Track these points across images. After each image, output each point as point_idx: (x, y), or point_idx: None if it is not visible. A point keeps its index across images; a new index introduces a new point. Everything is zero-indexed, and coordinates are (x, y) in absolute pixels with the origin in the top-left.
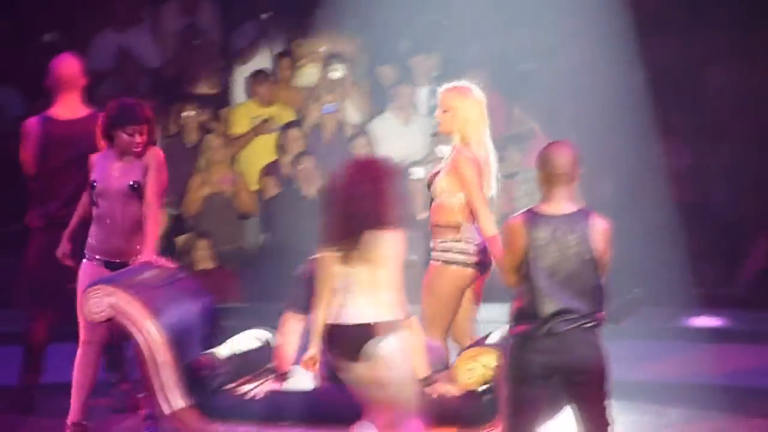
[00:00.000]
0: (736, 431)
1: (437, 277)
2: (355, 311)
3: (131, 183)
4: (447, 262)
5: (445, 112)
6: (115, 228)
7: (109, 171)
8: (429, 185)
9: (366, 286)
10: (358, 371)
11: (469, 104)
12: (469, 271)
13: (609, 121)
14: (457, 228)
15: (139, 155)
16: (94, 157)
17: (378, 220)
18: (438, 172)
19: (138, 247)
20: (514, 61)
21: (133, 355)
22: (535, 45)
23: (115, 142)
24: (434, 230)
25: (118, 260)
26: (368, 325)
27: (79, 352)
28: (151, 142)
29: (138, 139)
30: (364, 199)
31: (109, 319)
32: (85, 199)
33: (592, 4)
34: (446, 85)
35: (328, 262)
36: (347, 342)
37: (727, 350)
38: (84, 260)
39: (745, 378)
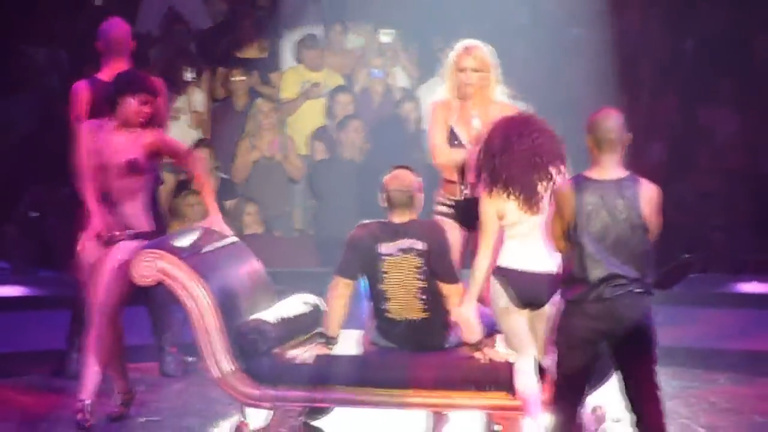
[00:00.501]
0: None
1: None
2: (540, 259)
3: (130, 159)
4: None
5: (478, 71)
6: (107, 203)
7: (108, 144)
8: None
9: (541, 235)
10: (545, 317)
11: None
12: None
13: (660, 88)
14: None
15: (143, 127)
16: (87, 125)
17: (554, 171)
18: None
19: (128, 220)
20: (563, 26)
21: (183, 319)
22: (584, 11)
23: (119, 110)
24: None
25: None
26: (554, 274)
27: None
28: (158, 123)
29: (146, 108)
30: (545, 149)
31: (159, 283)
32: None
33: None
34: (473, 43)
35: (501, 207)
36: (539, 289)
37: None
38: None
39: None
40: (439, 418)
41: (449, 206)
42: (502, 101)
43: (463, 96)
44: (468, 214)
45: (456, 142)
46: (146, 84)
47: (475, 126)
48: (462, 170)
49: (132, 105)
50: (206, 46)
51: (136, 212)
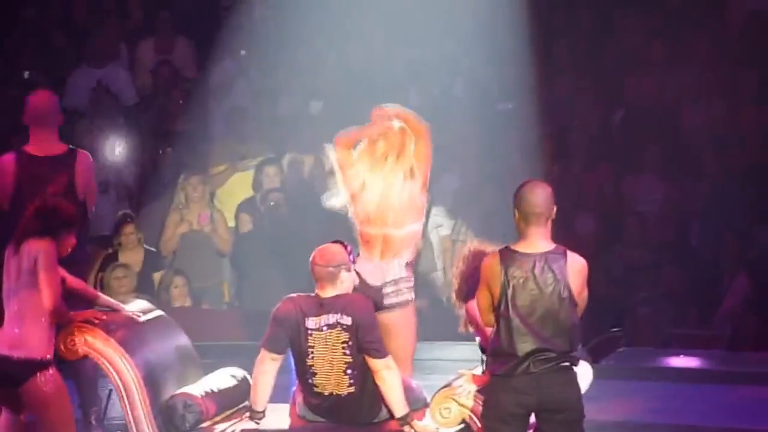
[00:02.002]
0: None
1: (412, 315)
2: None
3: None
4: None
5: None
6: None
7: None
8: None
9: None
10: None
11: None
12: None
13: (589, 158)
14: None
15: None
16: None
17: None
18: None
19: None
20: (494, 98)
21: (110, 393)
22: (515, 83)
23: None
24: (408, 268)
25: None
26: None
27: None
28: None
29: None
30: None
31: (84, 357)
32: None
33: (572, 42)
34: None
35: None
36: None
37: (706, 390)
38: None
39: (723, 419)
40: None
41: None
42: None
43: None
44: None
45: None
46: (71, 213)
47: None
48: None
49: (71, 240)
50: (134, 118)
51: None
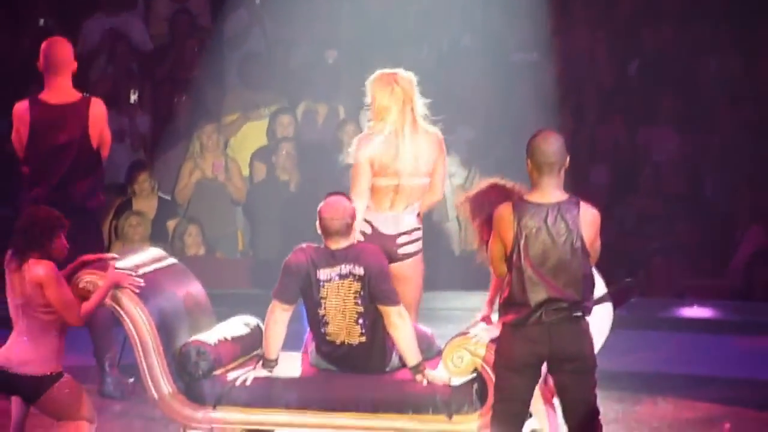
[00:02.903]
0: (728, 421)
1: (421, 264)
2: None
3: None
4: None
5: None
6: None
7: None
8: None
9: None
10: None
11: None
12: None
13: (604, 110)
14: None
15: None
16: None
17: None
18: None
19: None
20: (508, 50)
21: (124, 340)
22: (529, 34)
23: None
24: (419, 219)
25: None
26: None
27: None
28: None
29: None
30: None
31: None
32: None
33: None
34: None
35: None
36: None
37: (718, 341)
38: None
39: (737, 369)
40: None
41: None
42: (435, 132)
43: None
44: None
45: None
46: (48, 217)
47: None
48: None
49: (62, 243)
50: (149, 66)
51: None
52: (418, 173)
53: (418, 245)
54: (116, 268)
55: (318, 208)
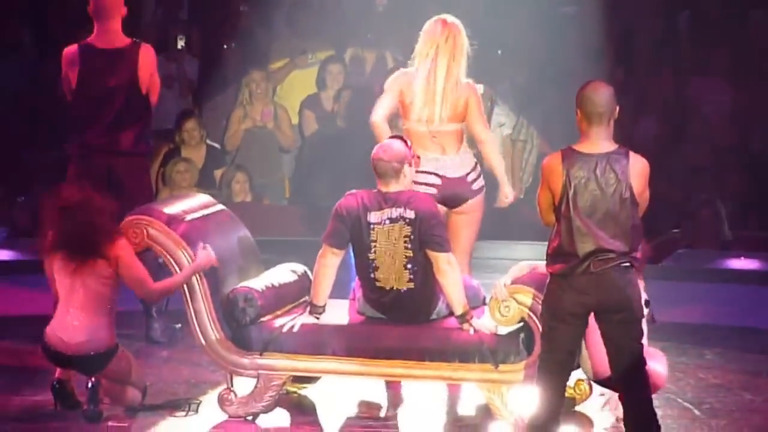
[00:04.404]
0: None
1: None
2: None
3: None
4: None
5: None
6: None
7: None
8: None
9: None
10: None
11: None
12: None
13: (654, 61)
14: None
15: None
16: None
17: None
18: None
19: None
20: (556, 3)
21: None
22: None
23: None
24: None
25: None
26: None
27: None
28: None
29: None
30: None
31: (146, 249)
32: None
33: None
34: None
35: None
36: None
37: (765, 292)
38: None
39: None
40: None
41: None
42: (467, 82)
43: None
44: None
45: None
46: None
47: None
48: None
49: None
50: (198, 12)
51: None
52: (449, 119)
53: (482, 180)
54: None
55: (373, 151)
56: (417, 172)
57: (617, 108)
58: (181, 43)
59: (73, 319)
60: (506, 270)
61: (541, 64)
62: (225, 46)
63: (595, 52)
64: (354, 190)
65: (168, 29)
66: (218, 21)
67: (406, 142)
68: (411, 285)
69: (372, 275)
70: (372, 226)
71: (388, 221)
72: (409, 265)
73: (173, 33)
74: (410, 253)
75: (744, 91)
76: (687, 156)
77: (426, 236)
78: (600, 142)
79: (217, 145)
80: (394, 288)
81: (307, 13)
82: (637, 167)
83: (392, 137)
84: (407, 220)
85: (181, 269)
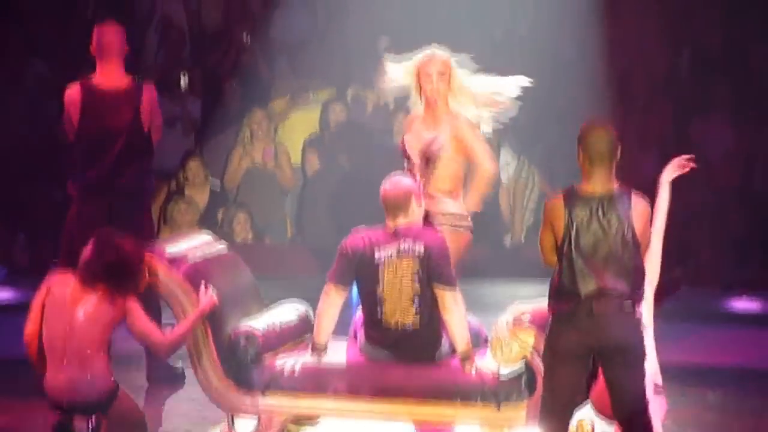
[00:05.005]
0: None
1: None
2: None
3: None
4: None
5: (442, 74)
6: None
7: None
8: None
9: None
10: None
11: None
12: None
13: (654, 99)
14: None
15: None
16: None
17: None
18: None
19: None
20: (557, 43)
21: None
22: (579, 23)
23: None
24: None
25: None
26: None
27: None
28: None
29: None
30: None
31: (150, 288)
32: None
33: None
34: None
35: None
36: None
37: (766, 333)
38: None
39: None
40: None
41: None
42: (457, 112)
43: (429, 104)
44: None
45: (403, 150)
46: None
47: (425, 135)
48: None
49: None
50: (200, 52)
51: None
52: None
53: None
54: (165, 254)
55: (381, 185)
56: None
57: (619, 148)
58: (184, 82)
59: (68, 370)
60: (507, 310)
61: (542, 103)
62: (226, 85)
63: (596, 92)
64: (360, 228)
65: (170, 68)
66: (220, 60)
67: (413, 175)
68: (416, 321)
69: (378, 310)
70: (379, 261)
71: (395, 254)
72: (415, 301)
73: (176, 72)
74: (417, 288)
75: (745, 130)
76: (688, 195)
77: (434, 272)
78: (602, 182)
79: (218, 182)
80: (399, 323)
81: (308, 53)
82: (639, 208)
83: (399, 172)
84: (416, 254)
85: (183, 310)
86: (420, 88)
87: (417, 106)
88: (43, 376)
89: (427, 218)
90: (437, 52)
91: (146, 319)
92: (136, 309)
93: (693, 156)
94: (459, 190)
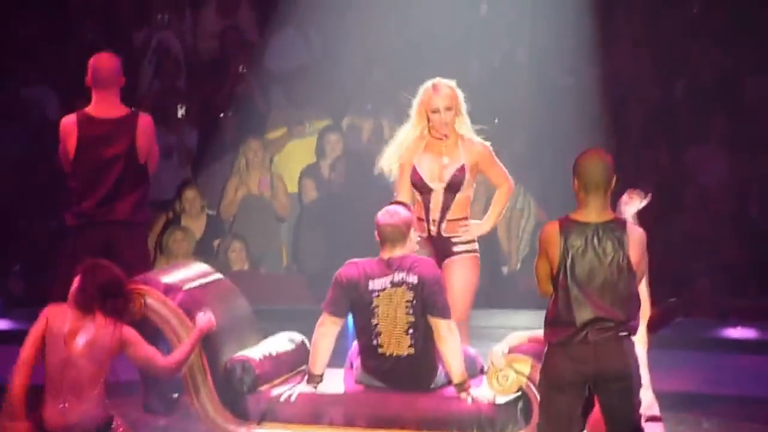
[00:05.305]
0: None
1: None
2: None
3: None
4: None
5: (450, 109)
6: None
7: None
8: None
9: None
10: None
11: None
12: None
13: (649, 129)
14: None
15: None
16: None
17: None
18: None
19: None
20: (553, 72)
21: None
22: (575, 52)
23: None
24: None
25: None
26: None
27: None
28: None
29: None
30: None
31: (145, 318)
32: None
33: (635, 9)
34: (439, 81)
35: None
36: None
37: (763, 362)
38: None
39: None
40: None
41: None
42: (469, 137)
43: (437, 135)
44: (435, 251)
45: (418, 179)
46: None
47: (444, 162)
48: (428, 208)
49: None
50: (196, 82)
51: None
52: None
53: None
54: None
55: (376, 216)
56: None
57: (615, 177)
58: (181, 112)
59: (65, 400)
60: (503, 339)
61: (538, 132)
62: (222, 115)
63: (591, 121)
64: (354, 259)
65: (166, 98)
66: (216, 90)
67: (407, 206)
68: (411, 351)
69: (374, 341)
70: (374, 292)
71: (390, 285)
72: (410, 331)
73: (172, 102)
74: (412, 319)
75: (740, 159)
76: (684, 225)
77: (428, 302)
78: (597, 210)
79: (214, 213)
80: (394, 354)
81: (303, 83)
82: (634, 236)
83: (394, 203)
84: (410, 285)
85: (179, 339)
86: (426, 117)
87: (413, 130)
88: (8, 406)
89: (448, 244)
90: (442, 84)
91: (146, 344)
92: (134, 337)
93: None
94: (469, 214)
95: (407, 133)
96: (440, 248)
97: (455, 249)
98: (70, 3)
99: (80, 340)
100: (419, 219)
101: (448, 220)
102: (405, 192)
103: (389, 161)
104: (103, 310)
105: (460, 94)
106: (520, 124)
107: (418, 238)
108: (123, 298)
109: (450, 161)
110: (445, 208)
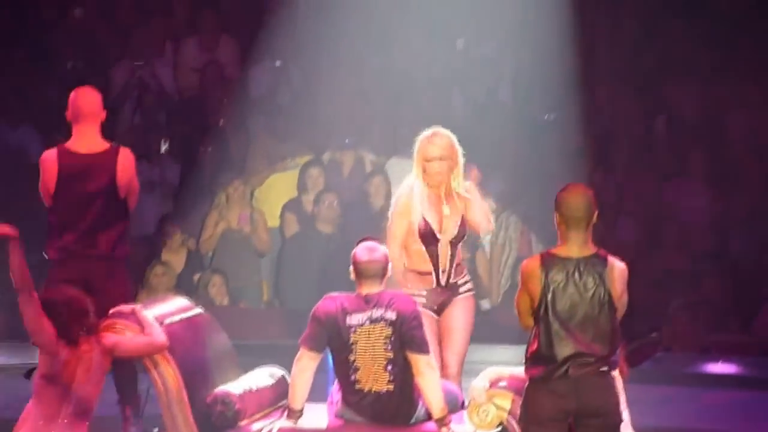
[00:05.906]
0: None
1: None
2: None
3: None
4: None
5: (444, 159)
6: None
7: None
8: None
9: None
10: None
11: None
12: None
13: (631, 164)
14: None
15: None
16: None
17: None
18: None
19: None
20: (536, 110)
21: (148, 389)
22: (558, 88)
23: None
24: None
25: None
26: None
27: None
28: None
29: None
30: None
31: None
32: None
33: (616, 45)
34: (436, 130)
35: None
36: None
37: (744, 397)
38: None
39: (764, 426)
40: None
41: (420, 296)
42: (464, 195)
43: (432, 185)
44: (444, 298)
45: (427, 230)
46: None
47: (445, 213)
48: (436, 260)
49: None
50: (177, 117)
51: None
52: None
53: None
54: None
55: (352, 253)
56: None
57: (596, 212)
58: (164, 147)
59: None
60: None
61: (520, 167)
62: (203, 150)
63: (573, 156)
64: (333, 294)
65: (147, 133)
66: (196, 125)
67: (380, 242)
68: (390, 387)
69: (352, 377)
70: (352, 328)
71: (368, 322)
72: (389, 367)
73: (154, 137)
74: (390, 355)
75: (721, 195)
76: (665, 260)
77: (406, 337)
78: (578, 245)
79: (193, 248)
80: (373, 390)
81: (283, 118)
82: (616, 271)
83: (369, 239)
84: (388, 321)
85: (159, 374)
86: (423, 168)
87: (416, 179)
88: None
89: (455, 288)
90: (439, 134)
91: (128, 339)
92: (115, 339)
93: None
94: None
95: (415, 184)
96: (449, 294)
97: (461, 290)
98: (52, 38)
99: (79, 368)
100: (423, 273)
101: (457, 265)
102: (399, 241)
103: (405, 213)
104: (81, 329)
105: (458, 147)
106: (502, 160)
107: (413, 289)
108: (87, 312)
109: (451, 212)
110: (453, 257)
